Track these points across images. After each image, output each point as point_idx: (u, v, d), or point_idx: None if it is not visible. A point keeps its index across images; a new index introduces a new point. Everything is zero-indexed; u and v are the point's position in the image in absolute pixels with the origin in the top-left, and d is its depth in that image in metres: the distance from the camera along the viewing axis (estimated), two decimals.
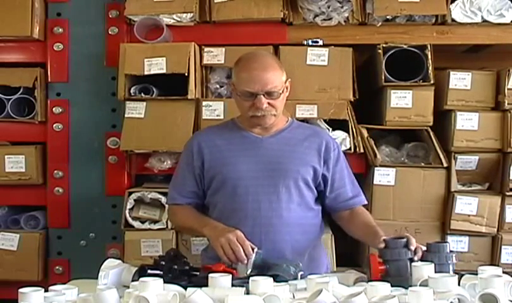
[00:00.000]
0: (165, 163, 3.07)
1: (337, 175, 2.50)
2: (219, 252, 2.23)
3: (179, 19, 3.12)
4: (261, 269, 2.15)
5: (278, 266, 2.14)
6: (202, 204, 2.55)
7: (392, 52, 3.06)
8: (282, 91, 2.41)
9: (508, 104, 3.01)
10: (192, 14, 3.10)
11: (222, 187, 2.45)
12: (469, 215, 3.00)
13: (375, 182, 3.01)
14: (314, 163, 2.46)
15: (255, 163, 2.44)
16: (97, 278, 2.07)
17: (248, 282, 1.88)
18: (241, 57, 2.49)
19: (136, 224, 3.03)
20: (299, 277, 2.16)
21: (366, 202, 2.57)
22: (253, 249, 2.20)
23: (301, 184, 2.44)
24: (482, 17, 3.06)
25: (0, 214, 3.27)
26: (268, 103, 2.37)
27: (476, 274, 1.94)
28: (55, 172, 3.17)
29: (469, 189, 3.15)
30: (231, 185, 2.43)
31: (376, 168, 3.01)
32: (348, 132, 3.01)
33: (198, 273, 2.11)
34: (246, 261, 2.19)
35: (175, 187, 2.57)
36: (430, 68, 3.02)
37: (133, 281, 1.99)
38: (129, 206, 3.03)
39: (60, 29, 3.17)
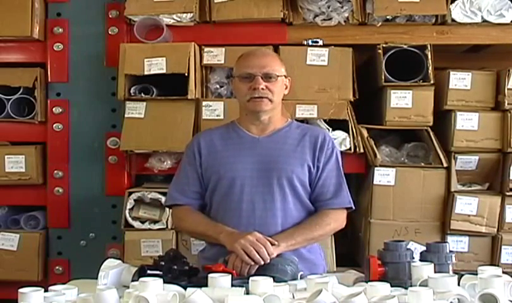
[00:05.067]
0: (165, 163, 3.07)
1: (325, 174, 2.48)
2: (240, 254, 2.21)
3: (179, 19, 3.12)
4: (256, 270, 2.16)
5: (274, 266, 2.14)
6: (204, 205, 2.54)
7: (392, 52, 3.06)
8: (281, 79, 2.46)
9: (508, 104, 3.01)
10: (192, 14, 3.10)
11: (218, 187, 2.46)
12: (469, 215, 3.00)
13: (375, 182, 3.01)
14: (309, 162, 2.47)
15: (251, 163, 2.44)
16: (97, 278, 2.07)
17: (248, 282, 1.88)
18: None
19: (136, 224, 3.03)
20: (298, 277, 2.16)
21: (344, 206, 2.50)
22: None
23: (297, 184, 2.44)
24: (482, 17, 3.06)
25: (0, 214, 3.27)
26: (266, 87, 2.42)
27: (476, 274, 1.94)
28: (55, 172, 3.17)
29: (469, 189, 3.15)
30: (226, 185, 2.44)
31: (376, 168, 3.00)
32: (348, 132, 3.01)
33: (197, 273, 2.12)
34: (268, 260, 2.20)
35: (176, 187, 2.56)
36: (430, 68, 3.02)
37: (132, 281, 1.99)
38: (129, 206, 3.03)
39: (60, 29, 3.18)
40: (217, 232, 2.37)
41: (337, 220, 2.48)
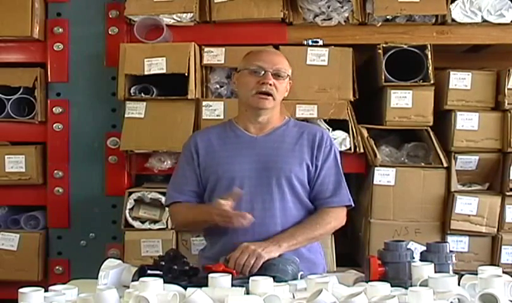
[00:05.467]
0: (165, 163, 3.07)
1: (323, 173, 2.47)
2: (226, 225, 2.30)
3: (179, 19, 3.12)
4: (258, 270, 2.16)
5: (275, 266, 2.14)
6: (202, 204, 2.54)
7: (392, 52, 3.06)
8: (287, 79, 2.49)
9: (508, 104, 3.01)
10: (192, 14, 3.10)
11: (217, 187, 2.46)
12: (469, 215, 3.00)
13: (375, 182, 3.01)
14: (307, 160, 2.46)
15: (249, 163, 2.44)
16: (97, 278, 2.07)
17: (248, 282, 1.88)
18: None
19: (136, 224, 3.03)
20: (299, 277, 2.16)
21: (344, 204, 2.49)
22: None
23: (296, 183, 2.43)
24: (482, 17, 3.07)
25: (0, 214, 3.27)
26: (273, 84, 2.43)
27: (476, 274, 1.94)
28: (55, 172, 3.17)
29: (469, 189, 3.15)
30: (224, 185, 2.43)
31: (376, 168, 3.00)
32: (348, 132, 3.01)
33: (197, 273, 2.12)
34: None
35: (174, 187, 2.56)
36: (430, 68, 3.02)
37: (132, 281, 1.99)
38: (129, 206, 3.03)
39: (60, 29, 3.18)
40: (203, 213, 2.42)
41: (337, 218, 2.48)
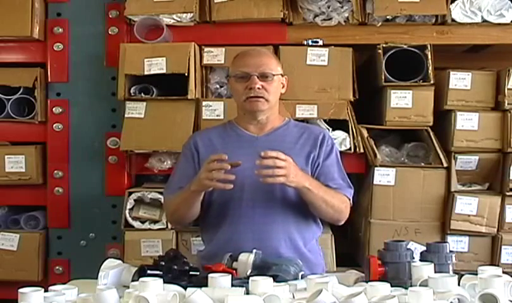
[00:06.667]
0: (165, 163, 3.07)
1: (325, 170, 2.48)
2: (212, 185, 2.27)
3: (179, 19, 3.12)
4: (261, 269, 2.15)
5: (278, 266, 2.14)
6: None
7: (392, 52, 3.06)
8: (277, 78, 2.46)
9: (508, 104, 3.01)
10: (192, 14, 3.10)
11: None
12: (469, 215, 3.00)
13: (375, 182, 3.01)
14: (309, 158, 2.47)
15: (251, 161, 2.42)
16: (97, 278, 2.07)
17: (248, 282, 1.88)
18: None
19: (136, 224, 3.04)
20: (299, 277, 2.16)
21: (350, 197, 2.49)
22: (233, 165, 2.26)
23: None
24: (482, 17, 3.07)
25: (0, 214, 3.27)
26: (262, 86, 2.41)
27: (476, 274, 1.94)
28: (55, 172, 3.17)
29: (469, 189, 3.15)
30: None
31: (376, 168, 3.01)
32: (348, 132, 3.01)
33: (198, 273, 2.12)
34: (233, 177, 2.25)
35: (171, 185, 2.57)
36: (430, 68, 3.02)
37: (132, 281, 1.99)
38: (129, 206, 3.03)
39: (60, 29, 3.18)
40: (188, 187, 2.38)
41: (347, 206, 2.48)
